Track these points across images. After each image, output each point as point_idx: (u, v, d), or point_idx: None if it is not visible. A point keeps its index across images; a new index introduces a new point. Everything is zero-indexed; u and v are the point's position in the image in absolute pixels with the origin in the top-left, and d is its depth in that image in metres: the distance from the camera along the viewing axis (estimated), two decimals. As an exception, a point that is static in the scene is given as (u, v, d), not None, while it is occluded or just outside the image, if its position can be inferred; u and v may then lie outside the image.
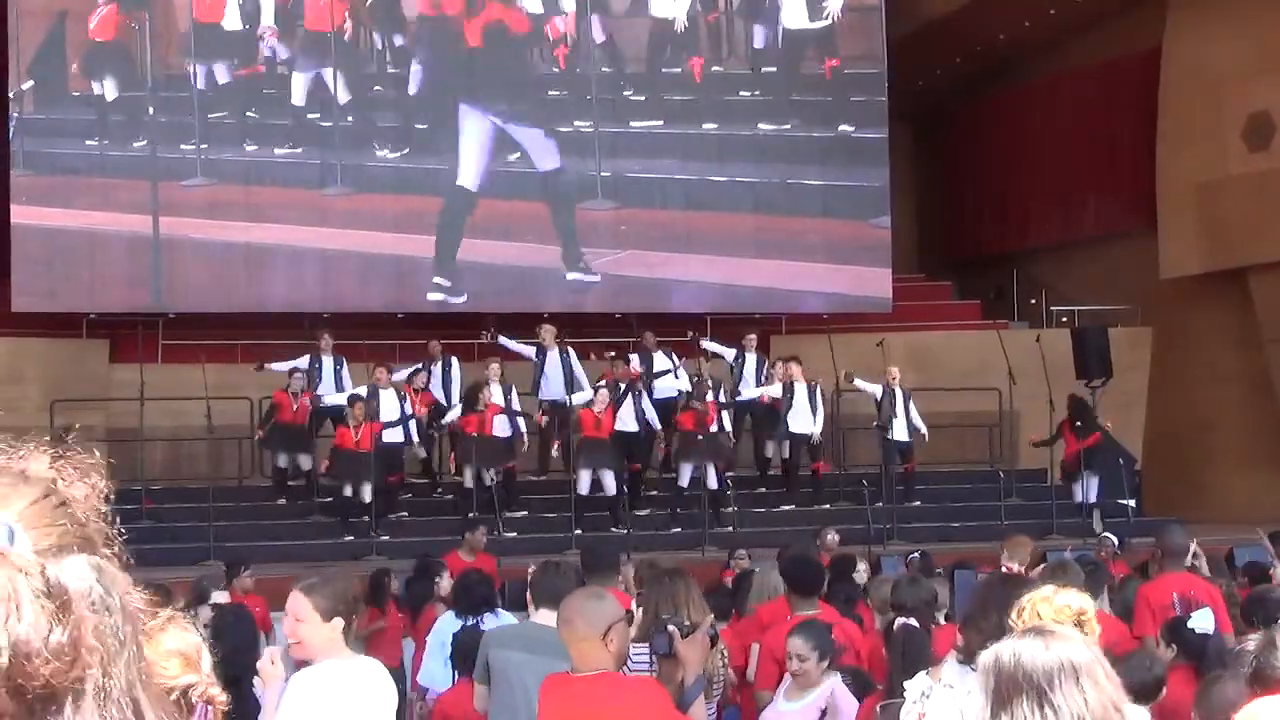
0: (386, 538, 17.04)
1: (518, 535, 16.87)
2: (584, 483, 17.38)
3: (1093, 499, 18.32)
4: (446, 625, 8.59)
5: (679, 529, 17.58)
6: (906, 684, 5.01)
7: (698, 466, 17.38)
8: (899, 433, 18.35)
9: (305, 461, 18.04)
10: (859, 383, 18.45)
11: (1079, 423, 18.40)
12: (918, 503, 18.77)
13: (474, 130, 20.58)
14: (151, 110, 20.14)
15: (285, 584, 5.45)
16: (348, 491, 17.12)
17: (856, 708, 6.29)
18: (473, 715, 6.63)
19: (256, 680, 4.85)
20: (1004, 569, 10.55)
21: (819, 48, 21.80)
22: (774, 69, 21.70)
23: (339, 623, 4.78)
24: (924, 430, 18.54)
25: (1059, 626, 2.92)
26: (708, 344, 19.03)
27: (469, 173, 20.54)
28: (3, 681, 1.01)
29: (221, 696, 3.15)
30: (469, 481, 17.23)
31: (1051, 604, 3.97)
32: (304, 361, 18.25)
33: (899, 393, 18.38)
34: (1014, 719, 2.67)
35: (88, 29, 20.21)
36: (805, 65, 21.75)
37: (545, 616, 6.45)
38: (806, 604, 7.58)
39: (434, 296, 20.52)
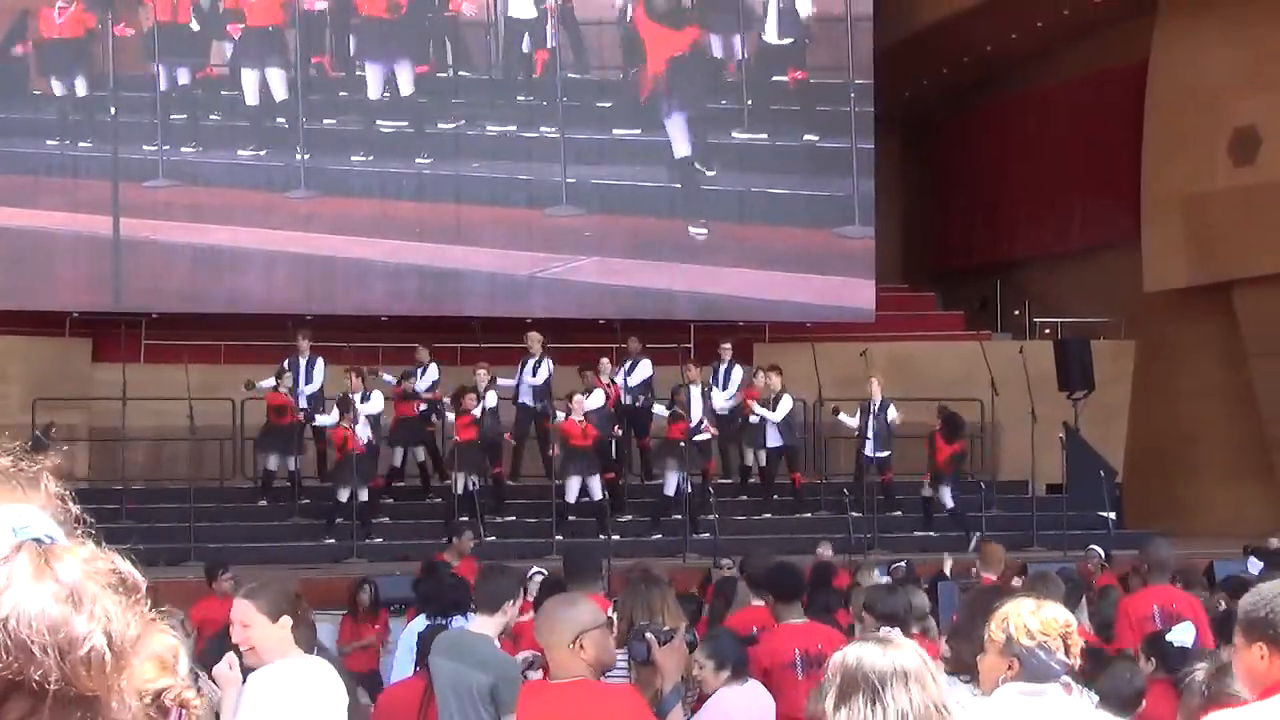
0: (381, 540, 17.09)
1: (498, 540, 16.83)
2: (573, 490, 17.39)
3: (949, 504, 18.29)
4: (416, 626, 8.58)
5: (660, 535, 17.60)
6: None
7: (680, 473, 17.51)
8: (872, 447, 18.33)
9: (293, 462, 17.98)
10: (843, 417, 18.48)
11: (949, 431, 18.26)
12: (899, 512, 18.76)
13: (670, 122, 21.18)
14: (114, 110, 19.99)
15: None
16: (343, 496, 17.00)
17: None
18: (404, 707, 6.67)
19: (213, 685, 4.88)
20: (981, 578, 10.59)
21: (806, 57, 21.78)
22: (757, 77, 21.67)
23: (287, 620, 4.83)
24: (896, 420, 18.42)
25: (897, 636, 3.29)
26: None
27: (681, 147, 21.07)
28: (111, 679, 1.01)
29: (196, 700, 3.16)
30: (458, 487, 17.21)
31: (1039, 617, 3.98)
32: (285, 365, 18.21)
33: (874, 402, 18.31)
34: (851, 712, 3.07)
35: (49, 27, 19.99)
36: (791, 73, 21.71)
37: (479, 622, 6.42)
38: (790, 611, 7.54)
39: (696, 231, 21.01)
